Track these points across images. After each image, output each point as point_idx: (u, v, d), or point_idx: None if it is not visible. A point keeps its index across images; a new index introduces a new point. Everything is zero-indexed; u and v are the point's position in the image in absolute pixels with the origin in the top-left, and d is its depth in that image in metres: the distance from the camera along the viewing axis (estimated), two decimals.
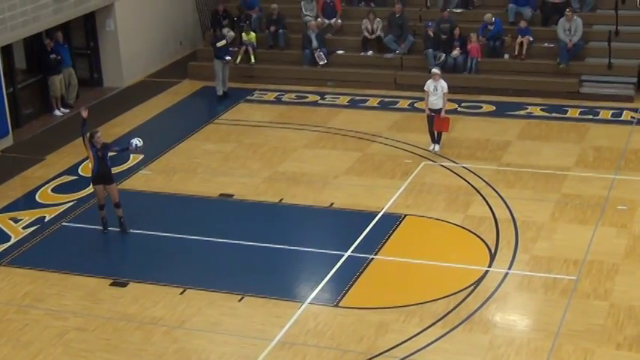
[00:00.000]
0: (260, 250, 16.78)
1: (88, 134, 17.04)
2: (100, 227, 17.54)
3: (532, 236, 16.74)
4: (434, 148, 20.62)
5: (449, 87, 20.65)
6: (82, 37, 26.32)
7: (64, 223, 18.15)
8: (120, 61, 26.36)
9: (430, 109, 20.55)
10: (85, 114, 17.35)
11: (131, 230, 17.45)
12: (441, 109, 20.43)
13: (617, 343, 13.50)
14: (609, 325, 13.94)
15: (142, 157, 20.96)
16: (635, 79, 24.04)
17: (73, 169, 20.65)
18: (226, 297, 15.18)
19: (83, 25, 26.09)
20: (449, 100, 22.05)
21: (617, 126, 22.09)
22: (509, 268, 15.72)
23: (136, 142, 17.40)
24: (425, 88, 20.60)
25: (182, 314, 14.74)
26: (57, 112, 24.20)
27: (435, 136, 20.69)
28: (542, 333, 13.83)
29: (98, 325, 14.55)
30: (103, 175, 17.19)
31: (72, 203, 18.96)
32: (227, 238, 17.18)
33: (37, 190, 19.69)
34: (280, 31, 26.92)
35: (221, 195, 19.13)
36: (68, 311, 14.99)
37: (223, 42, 25.24)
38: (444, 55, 25.01)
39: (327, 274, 15.77)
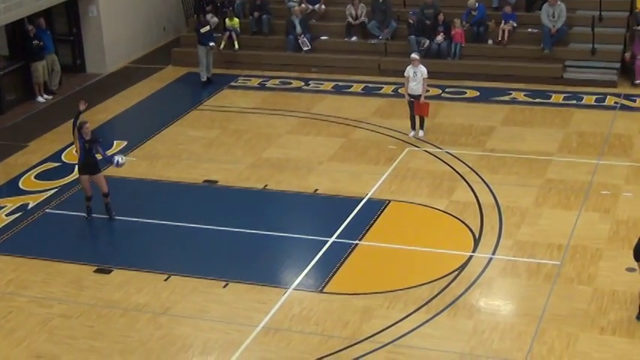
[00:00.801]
0: (245, 236, 16.77)
1: (78, 124, 16.95)
2: (84, 214, 17.47)
3: (516, 221, 16.79)
4: (416, 134, 20.61)
5: (432, 72, 20.64)
6: (65, 23, 26.19)
7: (47, 210, 18.08)
8: (103, 48, 26.25)
9: (410, 95, 20.54)
10: (82, 107, 17.18)
11: (116, 217, 17.39)
12: (420, 95, 20.40)
13: (600, 327, 13.56)
14: (593, 309, 14.00)
15: (125, 143, 20.91)
16: (618, 65, 24.10)
17: (56, 156, 20.56)
18: (211, 283, 15.18)
19: (66, 11, 25.95)
20: (432, 85, 22.09)
21: (600, 111, 22.15)
22: (493, 254, 15.76)
23: (119, 159, 17.46)
24: (405, 74, 20.59)
25: (167, 301, 14.73)
26: (40, 99, 24.08)
27: (417, 121, 20.69)
28: (526, 318, 13.88)
29: (82, 311, 14.52)
30: (89, 166, 17.11)
31: (55, 190, 18.89)
32: (211, 224, 17.16)
33: (20, 177, 19.60)
34: (264, 16, 26.84)
35: (205, 181, 19.11)
36: (52, 298, 14.95)
37: (207, 28, 25.15)
38: (427, 40, 25.00)
39: (312, 260, 15.78)
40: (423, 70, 20.38)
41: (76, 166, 17.37)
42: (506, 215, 17.03)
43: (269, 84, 24.99)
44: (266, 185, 18.75)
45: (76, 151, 17.25)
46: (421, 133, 20.62)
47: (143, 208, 17.59)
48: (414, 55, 20.75)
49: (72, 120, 17.19)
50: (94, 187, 17.32)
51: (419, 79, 20.34)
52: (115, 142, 20.94)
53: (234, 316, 14.26)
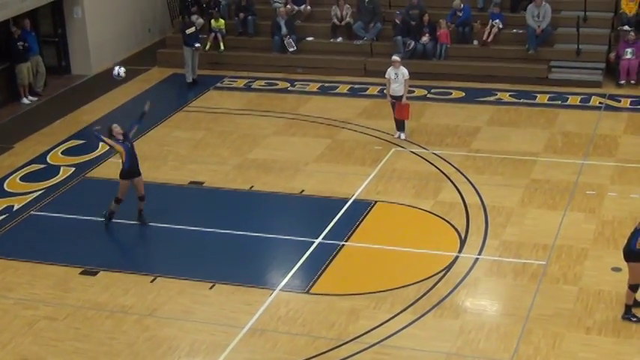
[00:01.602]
0: (231, 237, 16.76)
1: (107, 133, 16.68)
2: (102, 219, 17.18)
3: (502, 222, 16.82)
4: (399, 136, 20.60)
5: (418, 73, 20.65)
6: (50, 25, 26.11)
7: (32, 212, 18.02)
8: (88, 49, 26.18)
9: (392, 96, 20.52)
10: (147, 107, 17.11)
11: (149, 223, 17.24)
12: (402, 96, 20.38)
13: (586, 327, 13.60)
14: (578, 309, 14.04)
15: None
16: (603, 65, 24.18)
17: (41, 158, 20.50)
18: (197, 285, 15.15)
19: (51, 13, 25.87)
20: (418, 86, 22.13)
21: (585, 111, 22.22)
22: (479, 254, 15.79)
23: (120, 71, 17.40)
24: (386, 76, 20.54)
25: (153, 302, 14.70)
26: (25, 100, 23.99)
27: (398, 123, 20.69)
28: (512, 318, 13.91)
29: (68, 314, 14.47)
30: (134, 168, 16.77)
31: (41, 192, 18.83)
32: (198, 225, 17.13)
33: (6, 179, 19.53)
34: (249, 17, 26.83)
35: (191, 183, 19.08)
36: (38, 300, 14.90)
37: (192, 29, 25.11)
38: (413, 41, 25.03)
39: (298, 261, 15.77)
40: (404, 71, 20.35)
41: (121, 172, 16.90)
42: (491, 215, 17.06)
43: (255, 85, 24.97)
44: (252, 186, 18.74)
45: (122, 161, 16.77)
46: (402, 135, 20.58)
47: (129, 210, 17.52)
48: (395, 57, 20.72)
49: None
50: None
51: (400, 81, 20.31)
52: (100, 143, 20.84)
53: (221, 318, 14.24)
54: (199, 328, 13.99)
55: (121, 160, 16.86)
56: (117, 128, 16.70)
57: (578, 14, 24.97)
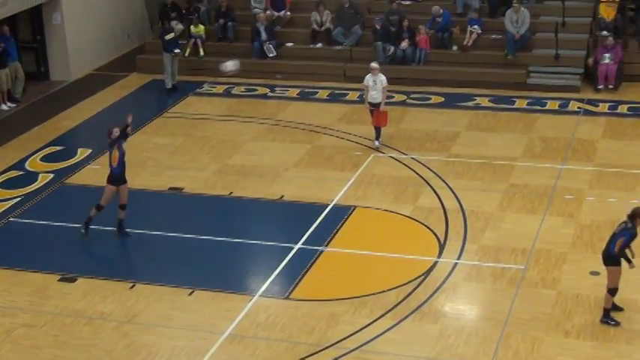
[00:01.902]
0: (210, 243, 16.73)
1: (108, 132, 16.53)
2: (81, 226, 16.93)
3: (481, 226, 16.87)
4: (377, 144, 20.55)
5: (397, 79, 20.67)
6: (29, 31, 26.01)
7: (11, 219, 17.93)
8: (67, 55, 26.10)
9: (370, 104, 20.48)
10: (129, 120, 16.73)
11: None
12: (380, 103, 20.35)
13: (565, 331, 13.65)
14: (557, 313, 14.10)
15: (90, 151, 20.81)
16: (581, 70, 24.31)
17: (19, 165, 20.40)
18: (176, 291, 15.12)
19: (30, 19, 25.79)
20: (397, 91, 22.18)
21: (564, 116, 22.32)
22: (459, 259, 15.83)
23: (232, 66, 17.17)
24: (364, 83, 20.54)
25: (132, 309, 14.65)
26: (3, 107, 23.87)
27: (376, 131, 20.65)
28: (491, 322, 13.95)
29: (47, 321, 14.40)
30: (121, 174, 16.63)
31: (19, 199, 18.74)
32: (177, 231, 17.09)
33: None
34: (229, 23, 26.83)
35: (171, 189, 19.04)
36: (16, 307, 14.82)
37: (172, 35, 25.06)
38: (392, 47, 25.09)
39: (278, 266, 15.76)
40: (382, 78, 20.34)
41: (109, 177, 16.70)
42: (470, 220, 17.11)
43: (234, 91, 24.96)
44: (231, 192, 18.72)
45: (112, 163, 16.54)
46: (377, 143, 20.52)
47: (108, 217, 17.43)
48: (374, 64, 20.69)
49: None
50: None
51: (378, 88, 20.27)
52: (79, 150, 20.83)
53: (200, 324, 14.21)
54: (179, 335, 13.96)
55: (110, 165, 16.68)
56: (117, 132, 16.59)
57: (556, 20, 25.11)
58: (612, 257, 13.45)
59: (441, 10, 25.44)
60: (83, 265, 16.17)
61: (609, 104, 22.90)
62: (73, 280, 15.59)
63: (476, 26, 25.20)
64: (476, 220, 17.12)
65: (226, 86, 25.22)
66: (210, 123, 22.61)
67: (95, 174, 19.55)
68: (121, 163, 16.55)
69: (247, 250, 16.57)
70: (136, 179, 19.29)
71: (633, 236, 13.39)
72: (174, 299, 14.89)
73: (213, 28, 26.97)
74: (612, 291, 13.60)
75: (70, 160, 20.43)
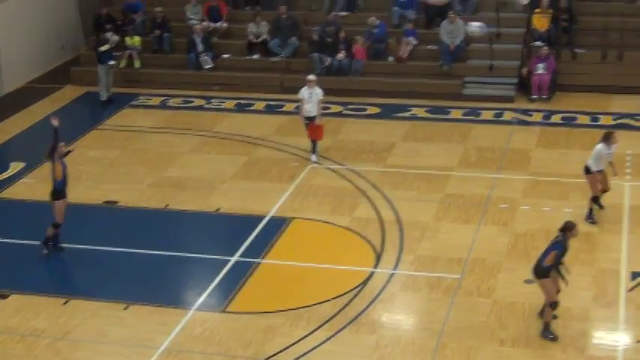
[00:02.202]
0: (146, 257, 16.58)
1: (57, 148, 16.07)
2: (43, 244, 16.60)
3: (417, 236, 16.95)
4: (313, 159, 20.41)
5: (333, 90, 20.69)
6: None
7: None
8: (0, 67, 25.70)
9: (305, 117, 20.40)
10: (56, 123, 16.27)
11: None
12: (315, 116, 20.28)
13: (500, 339, 13.75)
14: (492, 322, 14.20)
15: (23, 165, 20.52)
16: (515, 80, 24.58)
17: None
18: (111, 306, 14.94)
19: None
20: (334, 102, 22.19)
21: (498, 126, 22.56)
22: (395, 269, 15.88)
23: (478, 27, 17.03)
24: (299, 96, 20.46)
25: (65, 325, 14.44)
26: None
27: (311, 145, 20.50)
28: (427, 331, 14.01)
29: None
30: (64, 189, 16.34)
31: None
32: (112, 245, 16.92)
33: None
34: (165, 34, 26.68)
35: (106, 202, 18.84)
36: None
37: (107, 46, 24.82)
38: (329, 58, 25.14)
39: (214, 279, 15.68)
40: (318, 91, 20.29)
41: (53, 191, 16.34)
42: (407, 230, 17.18)
43: (171, 102, 24.82)
44: (167, 205, 18.58)
45: (56, 177, 16.23)
46: (314, 157, 20.42)
47: (42, 231, 17.20)
48: (311, 77, 20.65)
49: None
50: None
51: (314, 101, 20.22)
52: (11, 164, 20.53)
53: (136, 339, 14.06)
54: (114, 350, 13.80)
55: (54, 180, 16.35)
56: (63, 147, 16.32)
57: (491, 30, 25.35)
58: (541, 270, 13.49)
59: (377, 22, 25.56)
60: (16, 280, 15.89)
61: (543, 114, 23.20)
62: (5, 296, 15.33)
63: (411, 37, 25.36)
64: (412, 230, 17.19)
65: (162, 98, 25.06)
66: (146, 135, 22.44)
67: (29, 188, 19.29)
68: (65, 177, 16.28)
69: (184, 263, 16.43)
70: (71, 193, 18.90)
71: (565, 249, 13.50)
72: (110, 314, 14.72)
73: (149, 39, 26.79)
74: (553, 304, 13.66)
75: (2, 175, 20.12)
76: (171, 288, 15.59)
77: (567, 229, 13.49)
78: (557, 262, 13.48)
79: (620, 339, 13.85)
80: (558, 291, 13.69)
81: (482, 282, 15.34)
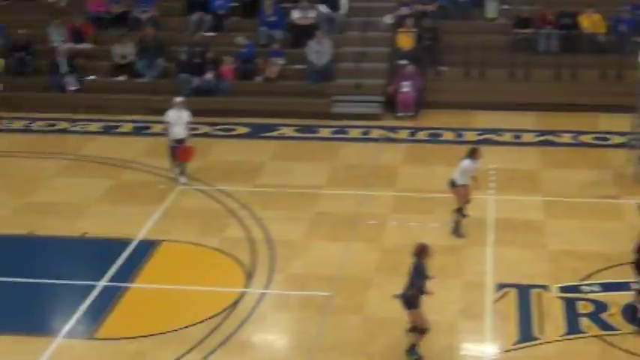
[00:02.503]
0: (9, 285, 16.10)
1: None
2: None
3: (287, 255, 16.96)
4: (181, 180, 20.26)
5: (201, 110, 20.59)
6: None
7: None
8: None
9: (174, 140, 20.11)
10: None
11: None
12: (184, 138, 20.09)
13: (369, 354, 13.85)
14: (362, 337, 14.30)
15: None
16: (382, 98, 24.94)
17: None
18: None
19: None
20: (202, 123, 22.08)
21: (366, 144, 22.84)
22: (266, 288, 15.84)
23: None
24: (166, 119, 20.21)
25: None
26: None
27: (179, 167, 20.29)
28: (299, 350, 14.02)
29: None
30: None
31: None
32: None
33: None
34: (27, 57, 26.09)
35: None
36: None
37: None
38: (197, 78, 25.02)
39: (82, 305, 15.32)
40: (185, 113, 20.11)
41: None
42: (277, 249, 17.18)
43: (34, 126, 24.29)
44: (32, 231, 18.11)
45: None
46: (182, 179, 20.25)
47: None
48: (178, 99, 20.38)
49: None
50: None
51: (182, 123, 20.04)
52: None
53: None
54: None
55: None
56: None
57: (357, 49, 25.71)
58: (408, 300, 13.37)
59: (245, 42, 25.60)
60: None
61: (409, 131, 23.60)
62: None
63: (279, 57, 25.47)
64: (283, 249, 17.20)
65: (26, 122, 24.47)
66: (9, 160, 21.89)
67: None
68: None
69: (50, 290, 16.03)
70: None
71: (424, 273, 13.36)
72: None
73: (10, 61, 26.13)
74: (422, 331, 13.66)
75: None
76: (38, 316, 15.18)
77: (420, 252, 13.36)
78: (422, 290, 13.37)
79: (487, 350, 14.12)
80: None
81: (353, 298, 15.45)
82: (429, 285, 13.51)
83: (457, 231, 17.54)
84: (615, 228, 17.79)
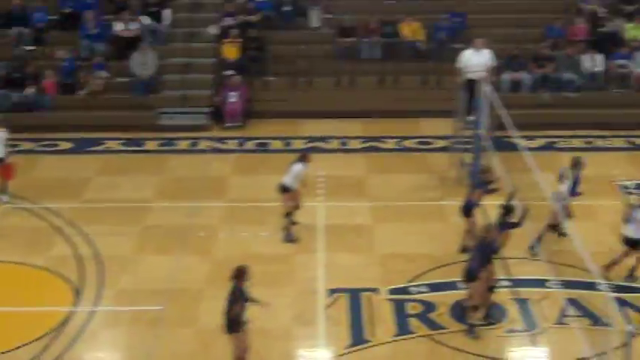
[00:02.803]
0: None
1: None
2: None
3: (117, 271, 16.66)
4: (4, 199, 19.67)
5: (23, 126, 20.00)
6: None
7: None
8: None
9: None
10: None
11: None
12: (2, 157, 19.43)
13: None
14: (196, 348, 14.22)
15: None
16: (208, 109, 24.84)
17: None
18: None
19: None
20: (24, 139, 21.41)
21: (195, 155, 22.71)
22: (96, 306, 15.51)
23: None
24: None
25: None
26: None
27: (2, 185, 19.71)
28: None
29: None
30: None
31: None
32: None
33: None
34: None
35: None
36: None
37: None
38: (17, 93, 24.26)
39: None
40: (2, 132, 19.45)
41: None
42: (107, 265, 16.86)
43: None
44: None
45: None
46: (4, 198, 19.62)
47: None
48: None
49: None
50: None
51: (1, 142, 19.40)
52: None
53: None
54: None
55: None
56: None
57: (182, 61, 25.55)
58: (228, 324, 13.14)
59: (67, 55, 25.01)
60: None
61: (237, 141, 23.59)
62: None
63: (102, 71, 25.00)
64: (112, 264, 16.88)
65: None
66: None
67: None
68: None
69: None
70: None
71: (244, 295, 13.08)
72: None
73: None
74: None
75: None
76: None
77: (238, 276, 13.11)
78: (239, 314, 13.10)
79: (321, 356, 14.26)
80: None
81: (185, 311, 15.31)
82: (261, 299, 13.43)
83: (289, 237, 17.65)
84: (440, 229, 18.31)
